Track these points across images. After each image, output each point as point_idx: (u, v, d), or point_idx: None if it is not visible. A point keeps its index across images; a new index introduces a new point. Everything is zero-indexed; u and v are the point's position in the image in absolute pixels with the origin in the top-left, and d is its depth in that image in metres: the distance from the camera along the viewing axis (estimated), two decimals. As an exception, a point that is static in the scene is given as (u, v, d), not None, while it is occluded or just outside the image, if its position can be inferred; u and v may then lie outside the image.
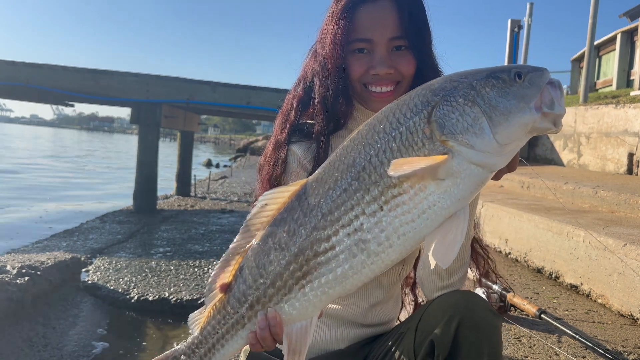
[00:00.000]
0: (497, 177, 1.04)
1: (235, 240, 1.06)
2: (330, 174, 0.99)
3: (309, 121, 1.42)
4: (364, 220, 0.95)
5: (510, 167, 1.03)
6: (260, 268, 1.01)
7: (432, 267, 0.98)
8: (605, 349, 1.95)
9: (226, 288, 1.05)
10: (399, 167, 0.91)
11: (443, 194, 0.93)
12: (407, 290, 1.59)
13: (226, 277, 1.06)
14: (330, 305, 1.39)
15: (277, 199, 1.02)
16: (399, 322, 1.53)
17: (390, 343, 1.31)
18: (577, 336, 1.98)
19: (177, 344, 1.20)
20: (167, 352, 1.12)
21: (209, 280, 1.08)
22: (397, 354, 1.24)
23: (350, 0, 1.32)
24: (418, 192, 0.93)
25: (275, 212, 1.02)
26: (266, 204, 1.03)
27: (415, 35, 1.32)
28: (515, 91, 0.95)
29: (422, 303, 1.58)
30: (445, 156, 0.91)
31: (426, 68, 1.36)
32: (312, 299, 1.00)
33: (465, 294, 1.16)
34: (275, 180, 1.42)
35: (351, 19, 1.32)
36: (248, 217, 1.05)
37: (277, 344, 1.05)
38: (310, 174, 1.34)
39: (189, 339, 1.10)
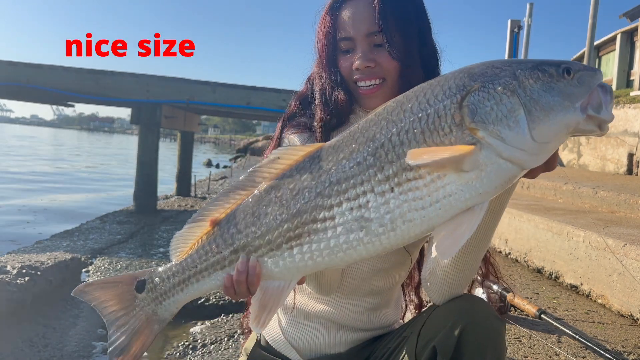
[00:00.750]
0: (532, 175, 0.98)
1: (238, 180, 1.04)
2: (348, 143, 0.95)
3: (305, 119, 1.42)
4: (371, 198, 0.90)
5: (548, 166, 0.97)
6: (255, 217, 0.99)
7: (433, 255, 0.93)
8: (605, 349, 1.95)
9: (215, 223, 1.05)
10: (418, 155, 0.85)
11: (463, 185, 0.86)
12: (412, 293, 1.56)
13: (219, 212, 1.04)
14: (326, 309, 1.38)
15: (290, 155, 1.00)
16: (402, 322, 1.51)
17: (391, 346, 1.30)
18: (577, 336, 1.98)
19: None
20: (145, 269, 1.13)
21: (201, 208, 1.08)
22: (398, 357, 1.22)
23: (333, 1, 1.36)
24: (435, 179, 0.87)
25: (285, 167, 0.99)
26: (278, 158, 1.00)
27: (393, 28, 1.31)
28: (562, 87, 0.88)
29: (426, 304, 1.54)
30: (472, 147, 0.85)
31: (411, 63, 1.34)
32: (297, 262, 0.97)
33: (469, 299, 1.15)
34: None
35: (335, 19, 1.36)
36: (257, 165, 1.03)
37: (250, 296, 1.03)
38: None
39: (167, 265, 1.10)
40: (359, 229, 0.91)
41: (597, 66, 12.19)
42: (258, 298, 1.02)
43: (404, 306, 1.56)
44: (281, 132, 1.43)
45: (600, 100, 0.88)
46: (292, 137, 1.39)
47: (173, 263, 1.09)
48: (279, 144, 1.42)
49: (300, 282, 1.05)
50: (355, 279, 1.35)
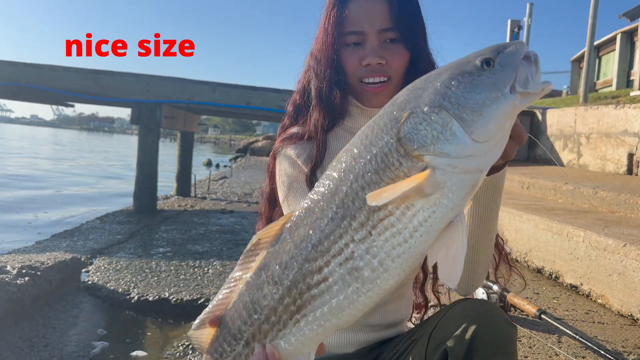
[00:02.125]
0: (504, 158, 1.00)
1: (235, 269, 1.03)
2: (316, 202, 0.94)
3: (297, 129, 1.41)
4: (355, 248, 0.90)
5: (518, 140, 0.98)
6: (255, 303, 0.97)
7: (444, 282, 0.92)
8: (606, 349, 1.95)
9: (217, 322, 1.03)
10: (377, 196, 0.86)
11: (433, 207, 0.87)
12: (417, 291, 1.53)
13: (220, 310, 1.02)
14: None
15: (268, 233, 0.99)
16: (411, 323, 1.50)
17: (400, 349, 1.28)
18: (577, 336, 1.98)
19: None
20: None
21: (205, 309, 1.04)
22: (408, 359, 1.21)
23: None
24: (405, 211, 0.87)
25: (267, 245, 0.98)
26: (259, 240, 0.99)
27: (406, 27, 1.31)
28: (485, 80, 0.87)
29: (431, 304, 1.55)
30: (427, 172, 0.85)
31: (420, 61, 1.34)
32: (308, 334, 0.95)
33: (482, 304, 1.15)
34: (272, 194, 1.43)
35: (342, 12, 1.32)
36: (245, 250, 1.02)
37: None
38: (307, 175, 1.33)
39: None
40: (354, 280, 0.91)
41: (597, 66, 12.20)
42: None
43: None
44: (277, 145, 1.41)
45: (526, 74, 0.87)
46: (289, 151, 1.38)
47: None
48: (274, 159, 1.42)
49: (319, 352, 1.02)
50: None
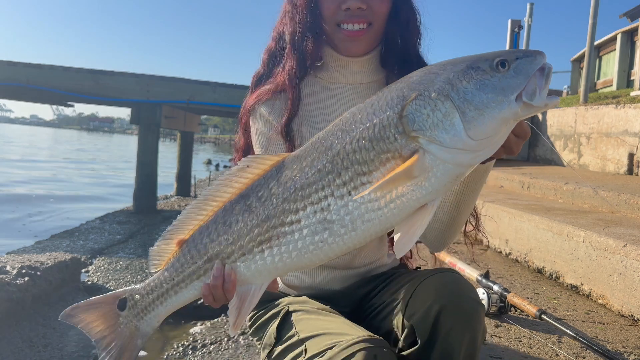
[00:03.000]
0: (511, 153, 1.03)
1: (209, 188, 1.08)
2: (309, 153, 1.01)
3: (269, 85, 1.41)
4: (332, 202, 0.96)
5: (508, 151, 1.03)
6: (227, 225, 1.04)
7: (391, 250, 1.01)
8: (606, 349, 1.95)
9: (181, 244, 1.09)
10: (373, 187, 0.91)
11: (414, 186, 0.92)
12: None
13: (191, 225, 1.09)
14: None
15: (259, 165, 1.05)
16: (391, 253, 1.54)
17: (385, 301, 1.32)
18: (577, 336, 1.98)
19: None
20: (126, 288, 1.18)
21: (174, 222, 1.11)
22: (389, 320, 1.25)
23: None
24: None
25: (254, 177, 1.05)
26: (248, 166, 1.05)
27: None
28: (496, 83, 0.90)
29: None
30: (415, 157, 0.90)
31: (401, 10, 1.33)
32: (268, 265, 1.03)
33: (453, 282, 1.17)
34: (246, 146, 1.47)
35: None
36: (226, 172, 1.07)
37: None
38: (282, 129, 1.35)
39: (146, 281, 1.15)
40: (323, 230, 0.98)
41: (597, 66, 12.20)
42: (234, 304, 1.07)
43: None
44: (251, 101, 1.43)
45: (535, 86, 0.89)
46: (262, 110, 1.40)
47: (151, 278, 1.14)
48: (248, 119, 1.44)
49: (271, 288, 1.09)
50: None
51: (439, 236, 1.33)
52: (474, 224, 1.40)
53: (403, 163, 0.91)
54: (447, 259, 2.84)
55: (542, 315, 2.15)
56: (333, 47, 1.38)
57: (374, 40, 1.36)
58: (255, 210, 1.02)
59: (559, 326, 2.04)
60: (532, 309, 2.19)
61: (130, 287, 1.18)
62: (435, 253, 1.63)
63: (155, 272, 1.14)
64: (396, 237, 0.97)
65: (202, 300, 1.12)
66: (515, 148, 1.02)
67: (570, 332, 2.01)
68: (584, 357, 1.95)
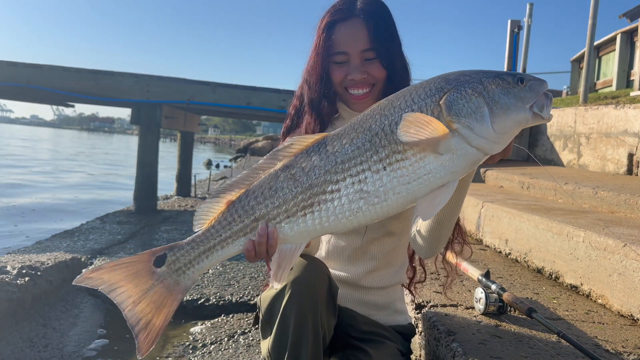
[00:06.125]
0: (492, 160, 1.23)
1: (260, 161, 1.25)
2: (349, 132, 1.18)
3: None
4: (369, 175, 1.14)
5: (505, 153, 1.24)
6: (272, 190, 1.20)
7: (415, 219, 1.43)
8: (605, 349, 1.95)
9: (229, 204, 1.24)
10: (407, 128, 1.09)
11: (439, 165, 1.11)
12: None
13: (241, 189, 1.24)
14: (333, 272, 1.69)
15: (301, 142, 1.22)
16: (404, 288, 1.93)
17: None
18: (561, 335, 1.98)
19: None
20: (171, 243, 1.26)
21: (225, 184, 1.26)
22: None
23: (329, 21, 1.62)
24: (418, 160, 1.12)
25: (297, 151, 1.21)
26: (292, 144, 1.22)
27: (383, 46, 1.60)
28: (517, 92, 1.13)
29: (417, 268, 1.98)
30: (447, 130, 1.09)
31: (395, 70, 1.65)
32: (309, 226, 1.19)
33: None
34: None
35: (330, 36, 1.62)
36: (276, 148, 1.24)
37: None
38: None
39: (190, 237, 1.25)
40: (359, 199, 1.15)
41: (597, 66, 12.23)
42: (276, 259, 1.21)
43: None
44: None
45: (544, 103, 1.15)
46: None
47: (196, 234, 1.25)
48: None
49: (307, 246, 1.27)
50: (356, 242, 1.74)
51: (428, 241, 1.56)
52: (461, 240, 1.70)
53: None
54: (453, 259, 2.83)
55: (532, 314, 2.14)
56: (345, 103, 1.72)
57: (378, 97, 1.63)
58: (300, 179, 1.18)
59: (546, 325, 2.03)
60: (522, 307, 2.18)
61: (169, 245, 1.25)
62: (438, 255, 1.82)
63: (198, 230, 1.25)
64: (422, 202, 1.15)
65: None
66: (495, 158, 1.24)
67: (554, 330, 2.00)
68: (583, 357, 1.95)
